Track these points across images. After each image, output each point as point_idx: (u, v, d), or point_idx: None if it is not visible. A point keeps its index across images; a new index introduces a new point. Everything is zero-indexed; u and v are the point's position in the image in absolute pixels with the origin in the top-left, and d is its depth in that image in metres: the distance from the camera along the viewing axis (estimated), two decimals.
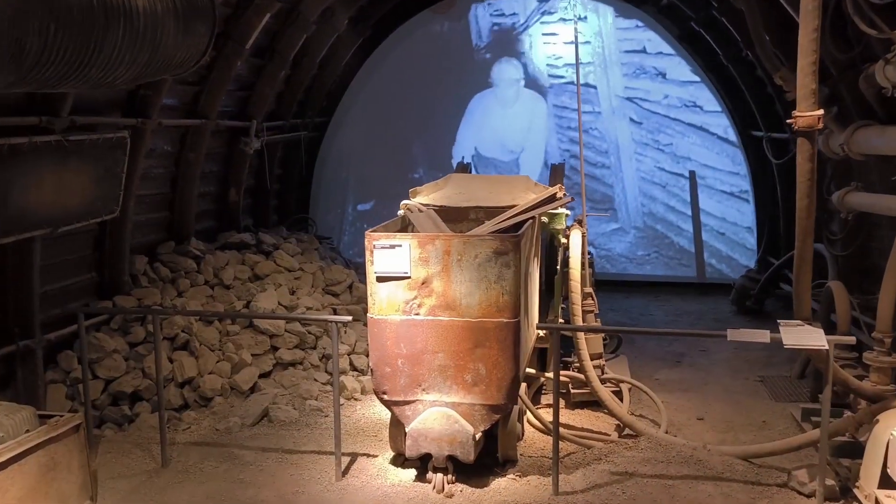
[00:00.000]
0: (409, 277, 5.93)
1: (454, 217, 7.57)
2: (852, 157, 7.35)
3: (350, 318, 6.33)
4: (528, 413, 7.27)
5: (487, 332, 5.90)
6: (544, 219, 7.73)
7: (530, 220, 6.76)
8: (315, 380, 8.27)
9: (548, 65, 14.29)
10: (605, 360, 9.01)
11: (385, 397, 6.14)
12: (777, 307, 12.24)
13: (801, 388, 8.63)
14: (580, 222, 8.21)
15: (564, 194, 7.32)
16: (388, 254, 5.91)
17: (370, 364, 6.18)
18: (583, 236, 8.01)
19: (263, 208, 11.70)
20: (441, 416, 6.00)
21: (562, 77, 14.19)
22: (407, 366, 6.04)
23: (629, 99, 13.92)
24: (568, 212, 7.91)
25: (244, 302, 8.64)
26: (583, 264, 9.40)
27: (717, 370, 9.52)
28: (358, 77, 14.04)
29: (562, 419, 7.65)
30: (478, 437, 6.06)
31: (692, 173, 13.61)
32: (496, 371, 5.94)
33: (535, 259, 7.32)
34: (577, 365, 7.65)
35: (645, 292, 13.61)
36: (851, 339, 5.60)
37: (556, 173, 10.34)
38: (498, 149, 14.46)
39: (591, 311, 8.09)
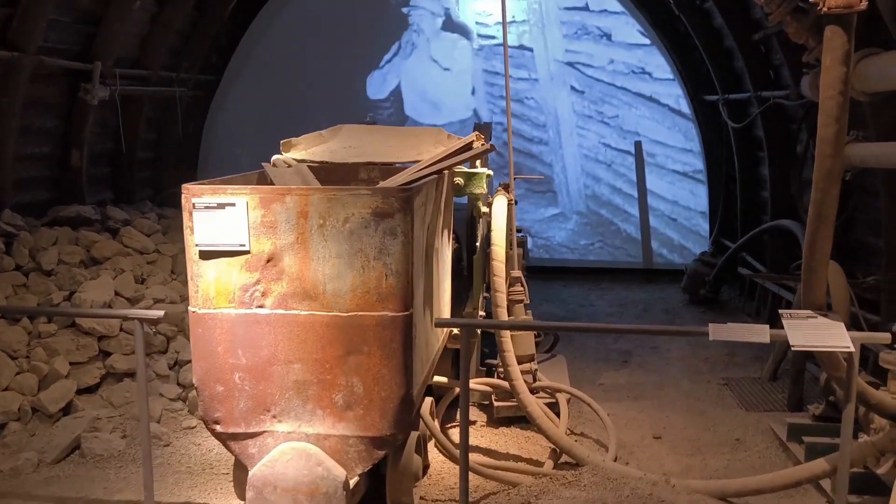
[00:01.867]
0: (247, 252, 4.01)
1: (340, 177, 5.68)
2: (855, 97, 5.72)
3: (162, 312, 4.33)
4: (435, 438, 5.44)
5: (365, 332, 4.02)
6: (459, 180, 5.90)
7: (434, 177, 4.91)
8: (161, 395, 6.26)
9: (477, 23, 12.48)
10: (539, 363, 7.33)
11: (218, 428, 4.20)
12: (734, 295, 10.76)
13: (774, 394, 7.05)
14: (506, 188, 6.40)
15: (483, 144, 5.48)
16: (216, 217, 3.96)
17: (194, 380, 4.22)
18: (509, 205, 6.21)
19: (126, 180, 9.53)
20: (298, 456, 4.10)
21: (493, 38, 12.39)
22: (248, 382, 4.12)
23: (570, 64, 12.23)
24: (489, 172, 6.09)
25: (66, 293, 6.53)
26: (511, 242, 7.67)
27: (673, 371, 7.88)
28: (252, 30, 11.94)
29: (482, 442, 5.86)
30: (354, 482, 4.20)
31: (637, 144, 12.00)
32: (378, 388, 4.07)
33: (445, 231, 5.49)
34: (502, 370, 5.87)
35: (584, 280, 11.97)
36: (886, 337, 3.94)
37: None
38: (426, 112, 12.56)
39: (520, 301, 6.30)
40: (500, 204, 6.03)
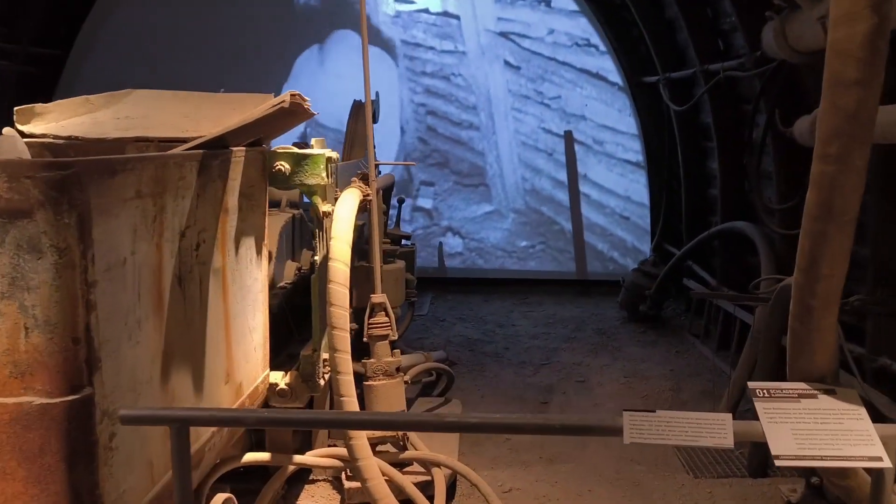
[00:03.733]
0: None
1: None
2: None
3: None
4: None
5: None
6: (282, 164, 4.03)
7: (197, 155, 3.04)
8: None
9: None
10: (430, 408, 5.61)
11: None
12: (679, 310, 9.15)
13: (730, 452, 5.38)
14: (364, 179, 4.55)
15: (302, 102, 3.63)
16: None
17: None
18: (364, 201, 4.38)
19: None
20: None
21: (411, 2, 10.56)
22: None
23: (503, 34, 10.41)
24: (332, 154, 4.24)
25: None
26: (391, 254, 5.88)
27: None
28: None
29: None
30: None
31: (567, 135, 10.30)
32: None
33: (246, 242, 3.62)
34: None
35: (510, 294, 10.24)
36: None
37: (358, 114, 6.72)
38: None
39: (383, 337, 4.48)
40: (346, 201, 4.19)
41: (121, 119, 4.17)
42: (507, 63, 10.44)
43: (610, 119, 10.29)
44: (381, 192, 6.15)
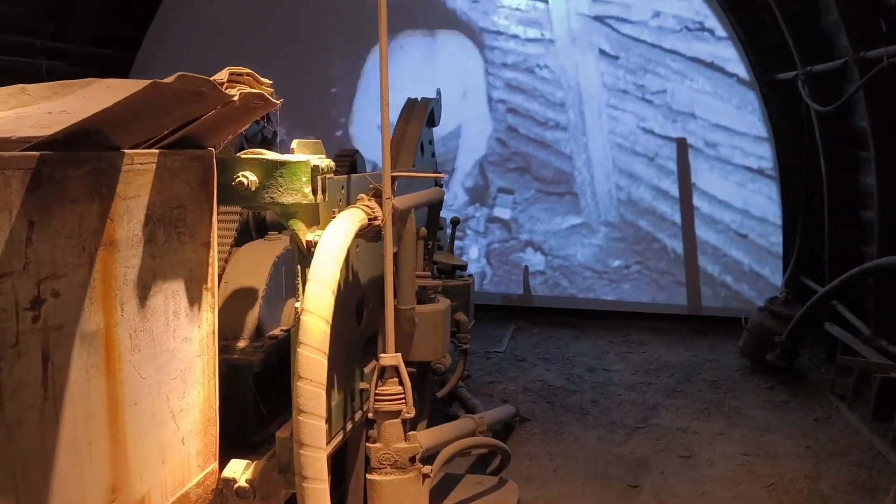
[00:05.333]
0: None
1: None
2: None
3: None
4: None
5: None
6: (245, 176, 2.86)
7: (20, 158, 1.93)
8: None
9: None
10: (476, 494, 4.40)
11: None
12: (818, 361, 7.38)
13: None
14: (376, 194, 3.33)
15: (256, 93, 2.47)
16: None
17: None
18: (369, 227, 3.17)
19: None
20: None
21: None
22: None
23: (598, 18, 8.95)
24: (322, 161, 3.02)
25: None
26: (438, 290, 4.72)
27: None
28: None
29: None
30: None
31: (681, 142, 8.71)
32: None
33: (111, 291, 2.47)
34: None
35: (606, 329, 8.75)
36: None
37: (410, 115, 5.55)
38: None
39: (391, 413, 3.25)
40: (336, 229, 2.98)
41: (53, 114, 3.17)
42: (602, 52, 8.93)
43: (726, 117, 8.57)
44: (428, 208, 4.98)
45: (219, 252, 4.03)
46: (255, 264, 3.74)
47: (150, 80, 1.95)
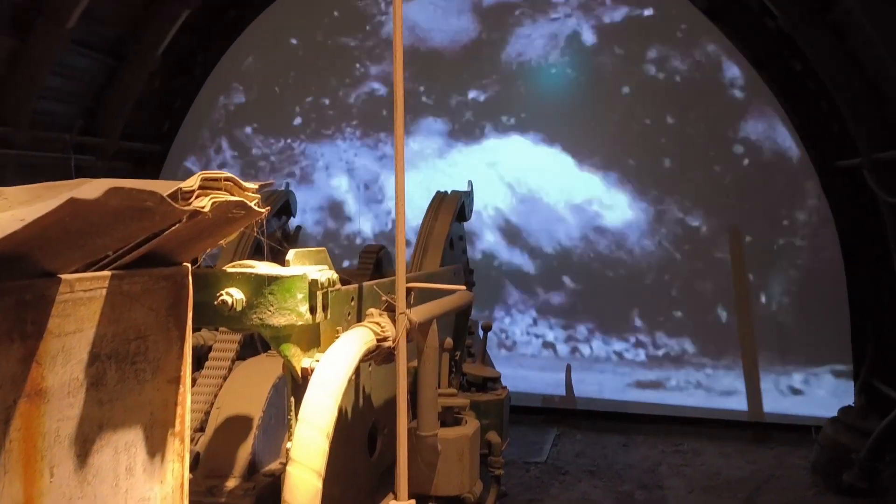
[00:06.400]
0: None
1: None
2: None
3: None
4: None
5: None
6: (230, 294, 2.41)
7: None
8: None
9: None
10: None
11: None
12: None
13: None
14: (388, 307, 2.87)
15: (249, 201, 2.07)
16: None
17: None
18: (377, 350, 2.70)
19: None
20: None
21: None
22: None
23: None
24: (324, 275, 2.58)
25: None
26: (465, 407, 4.26)
27: None
28: (211, 84, 9.26)
29: None
30: None
31: (734, 230, 8.13)
32: None
33: (35, 450, 2.01)
34: None
35: (654, 436, 8.00)
36: None
37: (439, 209, 5.16)
38: None
39: None
40: (337, 354, 2.52)
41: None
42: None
43: (785, 203, 8.01)
44: (456, 315, 4.49)
45: (217, 370, 3.60)
46: (253, 386, 3.28)
47: (69, 197, 1.55)
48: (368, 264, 5.69)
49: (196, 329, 2.86)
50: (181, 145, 9.29)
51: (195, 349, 3.97)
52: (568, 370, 8.61)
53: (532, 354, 8.73)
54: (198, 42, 9.05)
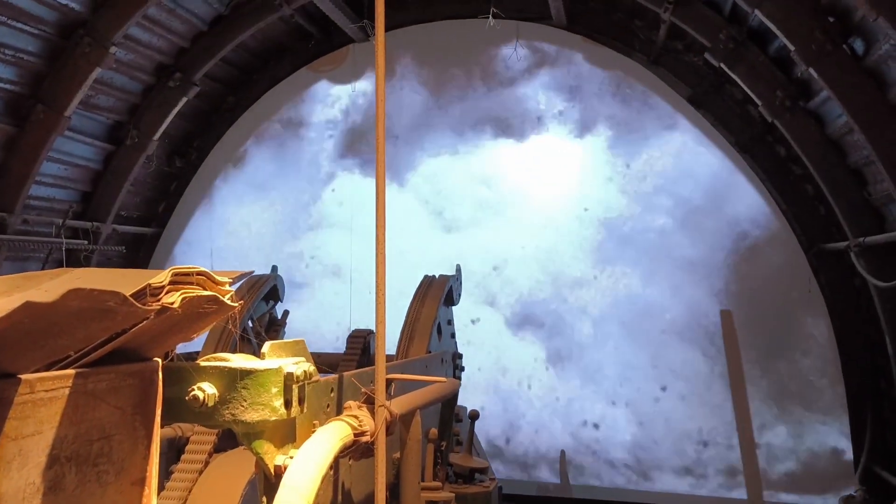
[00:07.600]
0: None
1: None
2: None
3: None
4: None
5: None
6: (202, 389, 2.36)
7: None
8: None
9: None
10: None
11: None
12: None
13: None
14: (368, 399, 2.80)
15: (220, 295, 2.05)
16: None
17: None
18: (353, 445, 2.63)
19: None
20: None
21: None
22: None
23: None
24: (299, 367, 2.52)
25: None
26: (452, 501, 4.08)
27: None
28: (203, 173, 9.39)
29: None
30: None
31: (725, 314, 8.11)
32: None
33: None
34: None
35: None
36: None
37: (426, 294, 5.14)
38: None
39: None
40: (309, 453, 2.45)
41: None
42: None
43: (780, 289, 7.98)
44: (441, 404, 4.40)
45: (193, 463, 3.50)
46: (229, 481, 3.18)
47: (24, 301, 1.53)
48: (356, 348, 5.64)
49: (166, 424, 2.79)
50: (175, 229, 9.35)
51: (174, 441, 3.87)
52: (562, 456, 8.41)
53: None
54: (195, 127, 9.23)
